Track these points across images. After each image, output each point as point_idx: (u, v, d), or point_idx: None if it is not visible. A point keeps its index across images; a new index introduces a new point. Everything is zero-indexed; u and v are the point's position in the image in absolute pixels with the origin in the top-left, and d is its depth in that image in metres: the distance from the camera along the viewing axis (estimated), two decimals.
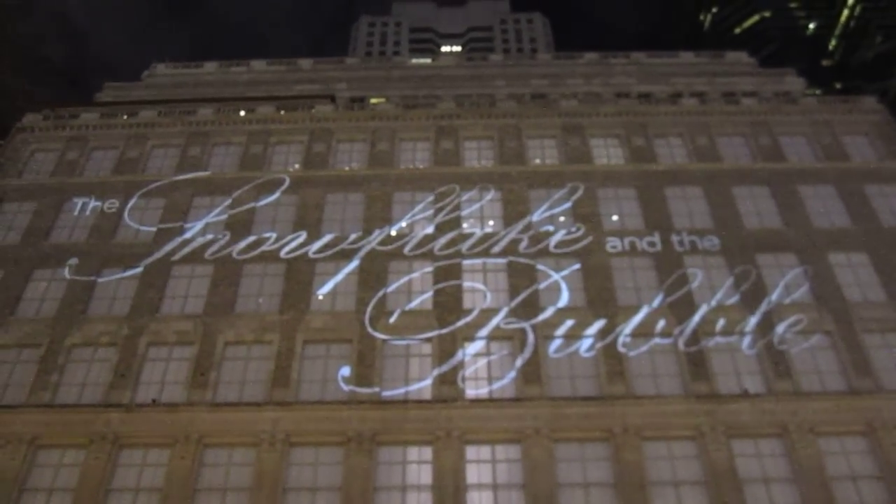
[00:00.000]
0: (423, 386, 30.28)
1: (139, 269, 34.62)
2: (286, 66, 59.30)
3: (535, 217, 36.23)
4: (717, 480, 27.24)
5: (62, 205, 38.00)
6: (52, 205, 37.91)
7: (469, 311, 32.41)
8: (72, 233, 36.71)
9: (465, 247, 34.94)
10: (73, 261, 35.05)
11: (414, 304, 33.01)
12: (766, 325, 31.80)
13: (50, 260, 35.30)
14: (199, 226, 36.40)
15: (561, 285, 33.40)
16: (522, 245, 34.91)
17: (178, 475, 27.73)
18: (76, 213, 37.52)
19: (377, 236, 35.54)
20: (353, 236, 35.58)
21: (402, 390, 30.18)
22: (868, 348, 31.09)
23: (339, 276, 34.03)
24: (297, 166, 39.89)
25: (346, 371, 30.67)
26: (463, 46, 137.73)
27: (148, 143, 41.48)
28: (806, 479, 27.24)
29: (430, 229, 35.88)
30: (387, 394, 30.00)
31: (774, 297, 32.81)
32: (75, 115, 43.52)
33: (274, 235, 35.71)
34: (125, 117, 43.24)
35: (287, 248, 35.09)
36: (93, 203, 37.86)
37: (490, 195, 37.46)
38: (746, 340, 31.41)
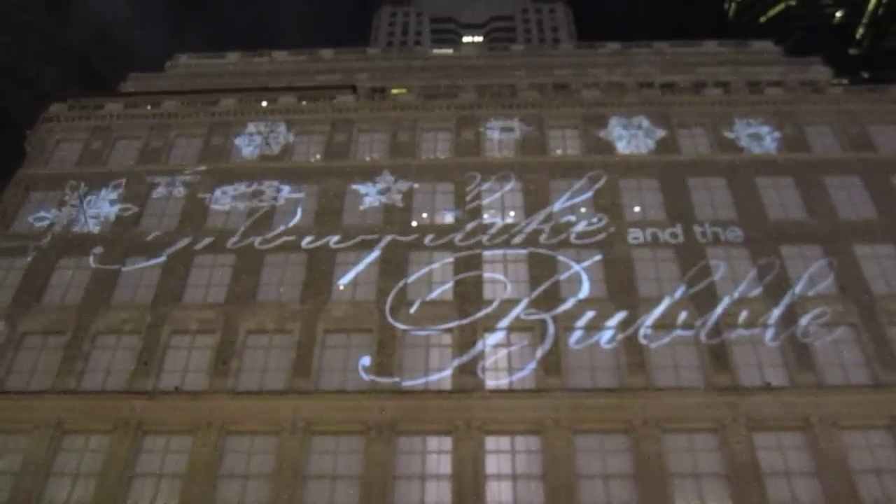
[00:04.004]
0: (442, 376, 30.29)
1: (162, 259, 34.92)
2: (307, 56, 59.42)
3: (556, 207, 36.03)
4: (738, 473, 27.02)
5: (88, 193, 38.37)
6: (79, 193, 38.25)
7: (489, 302, 32.35)
8: (97, 221, 37.06)
9: (485, 237, 34.86)
10: (98, 249, 35.44)
11: (434, 294, 33.02)
12: (790, 318, 31.43)
13: (75, 248, 35.72)
14: (226, 202, 36.66)
15: (582, 276, 33.24)
16: (543, 236, 34.77)
17: (201, 462, 28.00)
18: (101, 201, 37.85)
19: (398, 226, 35.56)
20: (374, 226, 35.65)
21: (421, 380, 30.21)
22: (893, 341, 30.63)
23: (360, 266, 34.09)
24: (318, 156, 39.98)
25: (366, 360, 30.75)
26: (485, 37, 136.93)
27: (171, 132, 41.74)
28: (829, 473, 26.93)
29: (450, 219, 35.84)
30: (407, 383, 30.06)
31: (798, 288, 32.42)
32: (100, 106, 43.87)
33: (296, 225, 35.87)
34: (149, 107, 43.54)
35: (308, 238, 35.21)
36: (118, 192, 38.20)
37: (511, 185, 37.32)
38: (769, 333, 31.08)
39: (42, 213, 37.41)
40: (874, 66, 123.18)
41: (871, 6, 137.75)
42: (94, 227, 36.62)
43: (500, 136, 40.23)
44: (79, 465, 28.47)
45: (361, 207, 36.42)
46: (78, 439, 29.20)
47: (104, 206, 37.53)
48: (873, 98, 41.74)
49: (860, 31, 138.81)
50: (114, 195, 38.03)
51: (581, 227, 35.05)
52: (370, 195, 37.01)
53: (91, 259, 35.08)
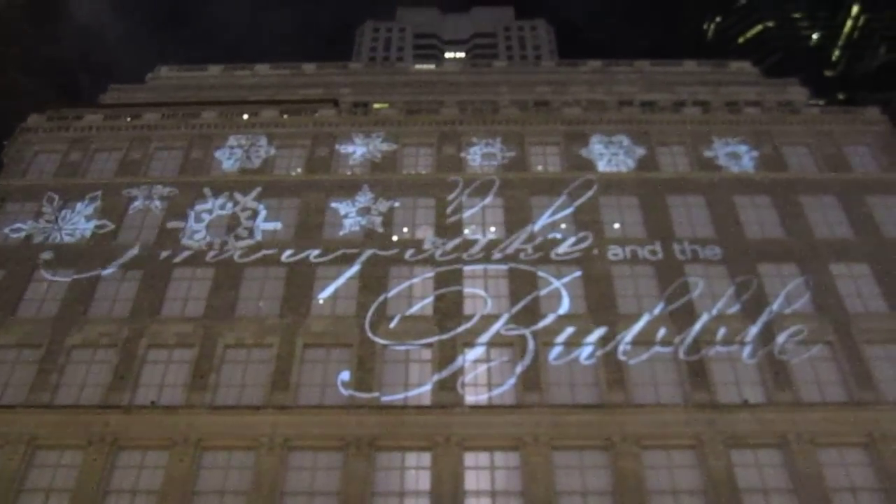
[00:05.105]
0: (422, 391, 30.23)
1: (140, 271, 34.60)
2: (290, 70, 59.29)
3: (537, 224, 36.18)
4: (715, 490, 27.15)
5: (65, 205, 37.97)
6: (55, 205, 37.88)
7: (469, 317, 32.37)
8: (74, 234, 36.68)
9: (466, 253, 34.91)
10: (75, 262, 35.00)
11: (414, 309, 32.98)
12: (767, 335, 31.74)
13: (51, 261, 35.28)
14: (201, 229, 36.41)
15: (562, 292, 33.36)
16: (524, 252, 34.86)
17: (177, 477, 27.67)
18: (78, 215, 37.47)
19: (378, 241, 35.51)
20: (354, 240, 35.56)
21: (401, 396, 30.12)
22: (869, 359, 31.00)
23: (340, 281, 34.00)
24: (299, 170, 39.91)
25: (345, 375, 30.63)
26: (467, 53, 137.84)
27: (151, 145, 41.50)
28: (805, 490, 27.14)
29: (431, 234, 35.85)
30: (386, 399, 29.96)
31: (775, 306, 32.75)
32: (79, 117, 43.54)
33: (275, 238, 35.75)
34: (128, 119, 43.26)
35: (288, 252, 35.07)
36: (95, 204, 37.85)
37: (492, 201, 37.43)
38: (747, 350, 31.35)
39: (18, 225, 36.96)
40: (849, 87, 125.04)
41: (846, 29, 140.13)
42: (69, 241, 36.22)
43: (481, 152, 40.33)
44: (52, 481, 28.04)
45: (341, 233, 36.27)
46: (51, 454, 28.76)
47: (80, 221, 37.11)
48: (849, 119, 42.44)
49: (836, 53, 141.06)
50: (90, 209, 37.63)
51: (561, 243, 35.18)
52: (350, 216, 36.88)
53: (67, 272, 34.67)
